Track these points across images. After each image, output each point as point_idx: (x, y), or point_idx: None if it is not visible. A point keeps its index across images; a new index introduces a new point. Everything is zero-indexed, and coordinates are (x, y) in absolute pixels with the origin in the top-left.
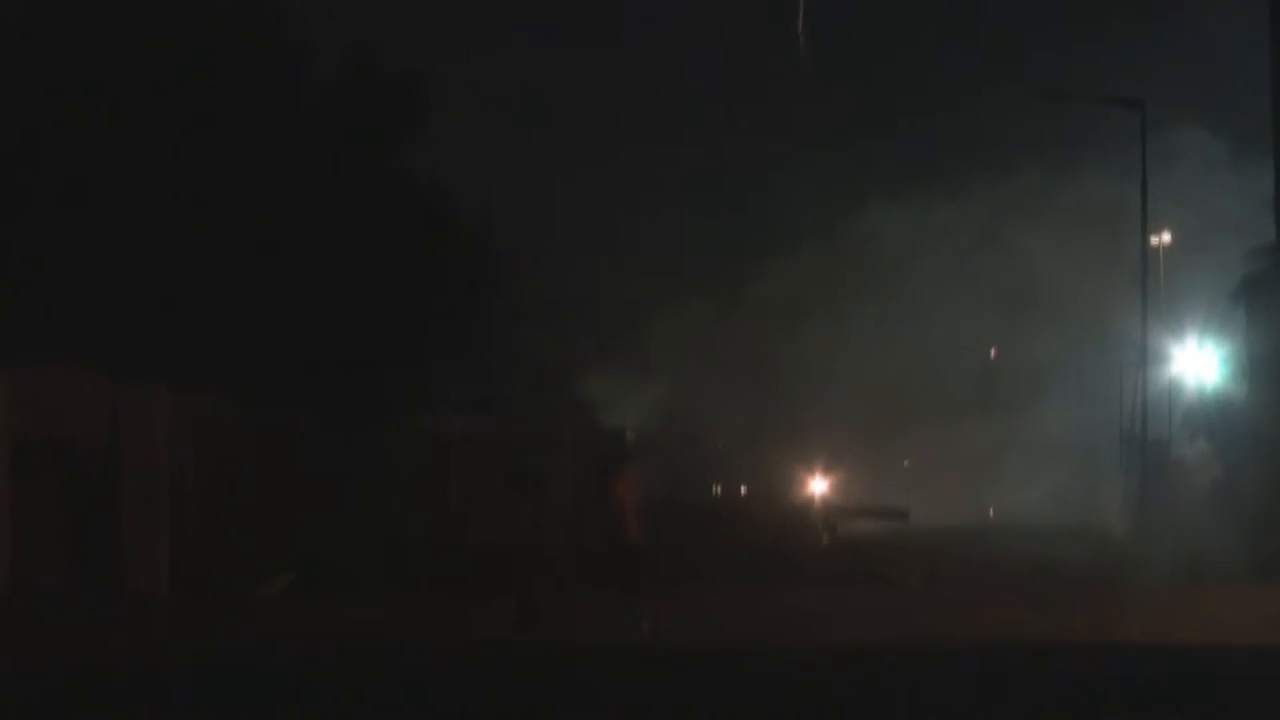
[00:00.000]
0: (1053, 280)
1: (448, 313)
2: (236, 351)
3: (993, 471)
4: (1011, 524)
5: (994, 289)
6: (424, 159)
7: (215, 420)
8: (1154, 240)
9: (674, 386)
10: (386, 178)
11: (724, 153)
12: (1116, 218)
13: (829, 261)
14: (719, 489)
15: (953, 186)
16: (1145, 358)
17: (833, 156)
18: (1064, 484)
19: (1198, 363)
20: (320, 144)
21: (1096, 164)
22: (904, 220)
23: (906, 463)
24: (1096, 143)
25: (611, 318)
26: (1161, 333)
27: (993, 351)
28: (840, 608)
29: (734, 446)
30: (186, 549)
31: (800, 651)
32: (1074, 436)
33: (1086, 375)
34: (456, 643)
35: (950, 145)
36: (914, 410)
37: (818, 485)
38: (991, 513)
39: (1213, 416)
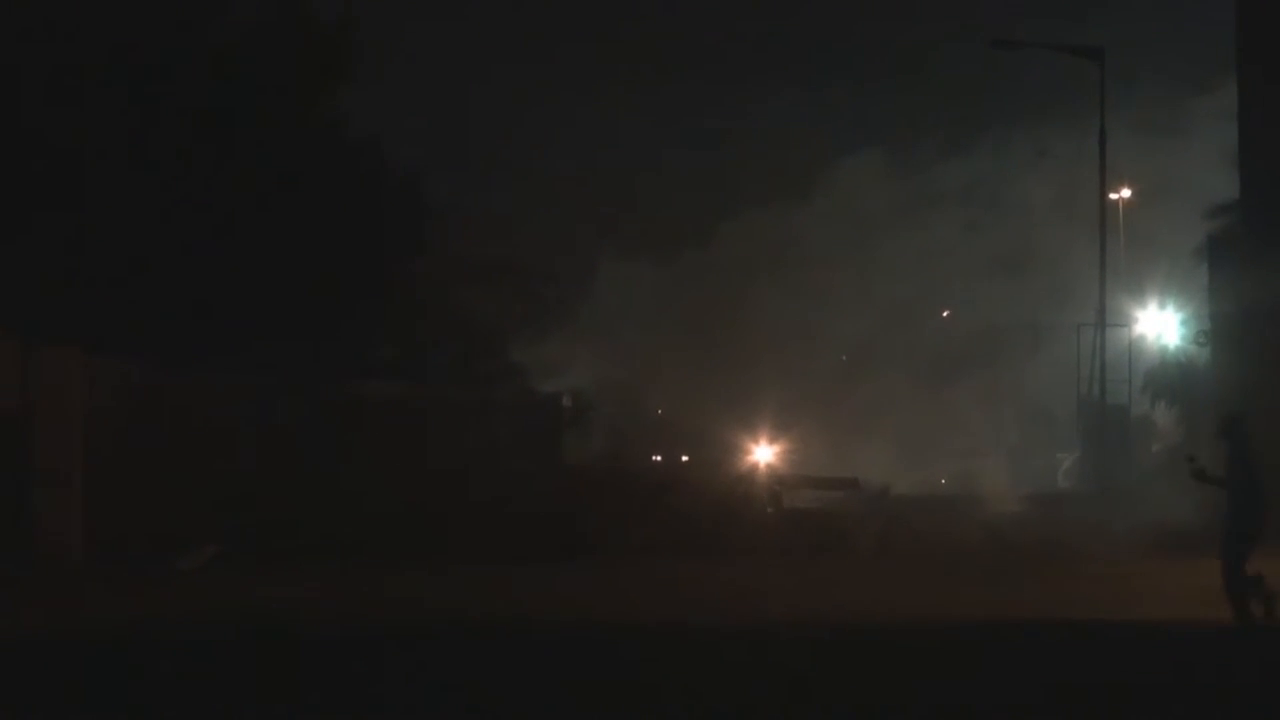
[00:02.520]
0: (1014, 239)
1: (378, 273)
2: (155, 313)
3: (946, 437)
4: (965, 492)
5: (952, 248)
6: (354, 110)
7: (131, 384)
8: (1114, 196)
9: (618, 350)
10: (311, 129)
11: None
12: (1079, 172)
13: (784, 221)
14: (659, 457)
15: (917, 143)
16: (1103, 319)
17: (796, 111)
18: (1020, 449)
19: (1159, 324)
20: (238, 92)
21: (1061, 118)
22: (862, 178)
23: (859, 432)
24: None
25: (554, 277)
26: (1121, 294)
27: (945, 313)
28: (775, 582)
29: (676, 412)
30: (104, 516)
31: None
32: (1031, 400)
33: (1041, 336)
34: (371, 617)
35: (914, 101)
36: (866, 375)
37: (763, 453)
38: (943, 480)
39: (1174, 380)
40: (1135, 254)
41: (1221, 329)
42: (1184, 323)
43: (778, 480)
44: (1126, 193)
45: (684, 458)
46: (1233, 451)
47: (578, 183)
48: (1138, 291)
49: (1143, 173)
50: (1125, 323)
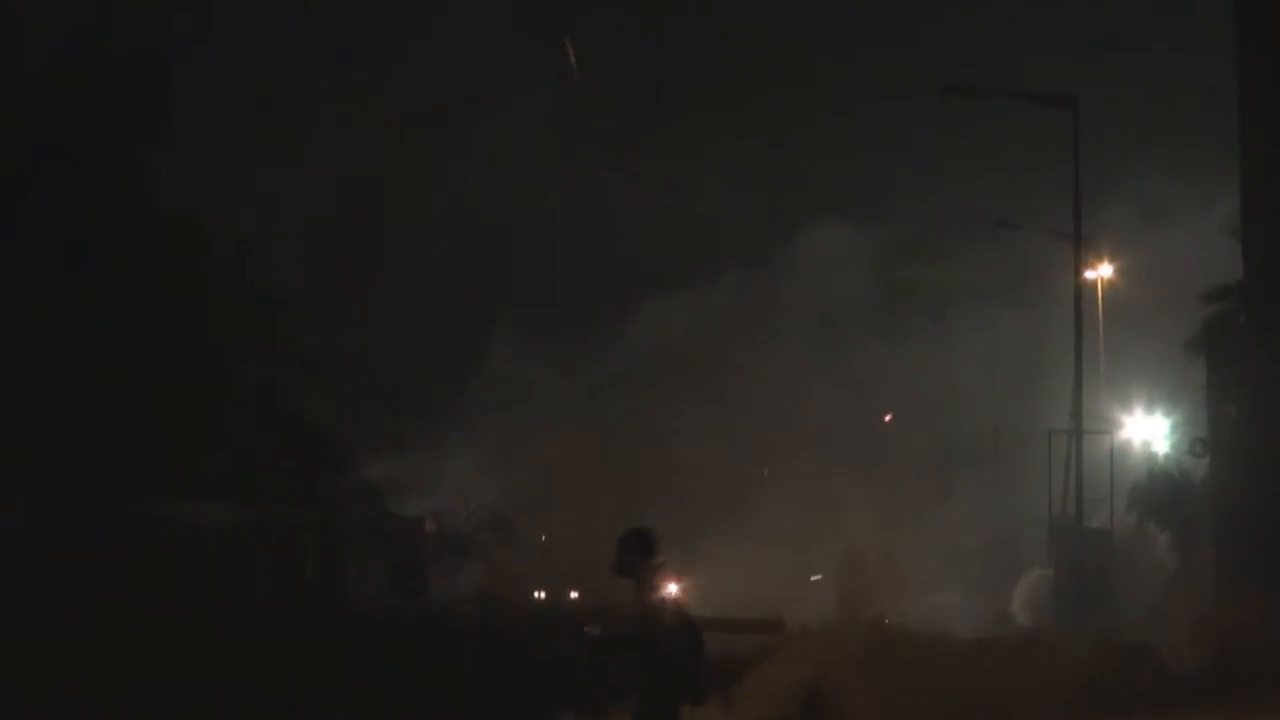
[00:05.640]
0: (973, 327)
1: (196, 371)
2: None
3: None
4: (914, 633)
5: (900, 334)
6: (162, 170)
7: None
8: (1091, 274)
9: (496, 465)
10: (112, 194)
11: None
12: (1049, 247)
13: (700, 310)
14: (542, 594)
15: (865, 209)
16: (1080, 423)
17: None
18: (979, 581)
19: (1146, 430)
20: (25, 151)
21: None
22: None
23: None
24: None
25: (420, 378)
26: (1101, 393)
27: (887, 417)
28: None
29: (565, 539)
30: None
31: None
32: (993, 522)
33: (1006, 444)
34: None
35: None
36: (794, 490)
37: (669, 587)
38: (886, 620)
39: (1165, 496)
40: (1118, 344)
41: (1220, 436)
42: (1175, 428)
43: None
44: (1107, 270)
45: (573, 594)
46: None
47: (457, 264)
48: (1120, 390)
49: (1126, 247)
50: (1106, 428)
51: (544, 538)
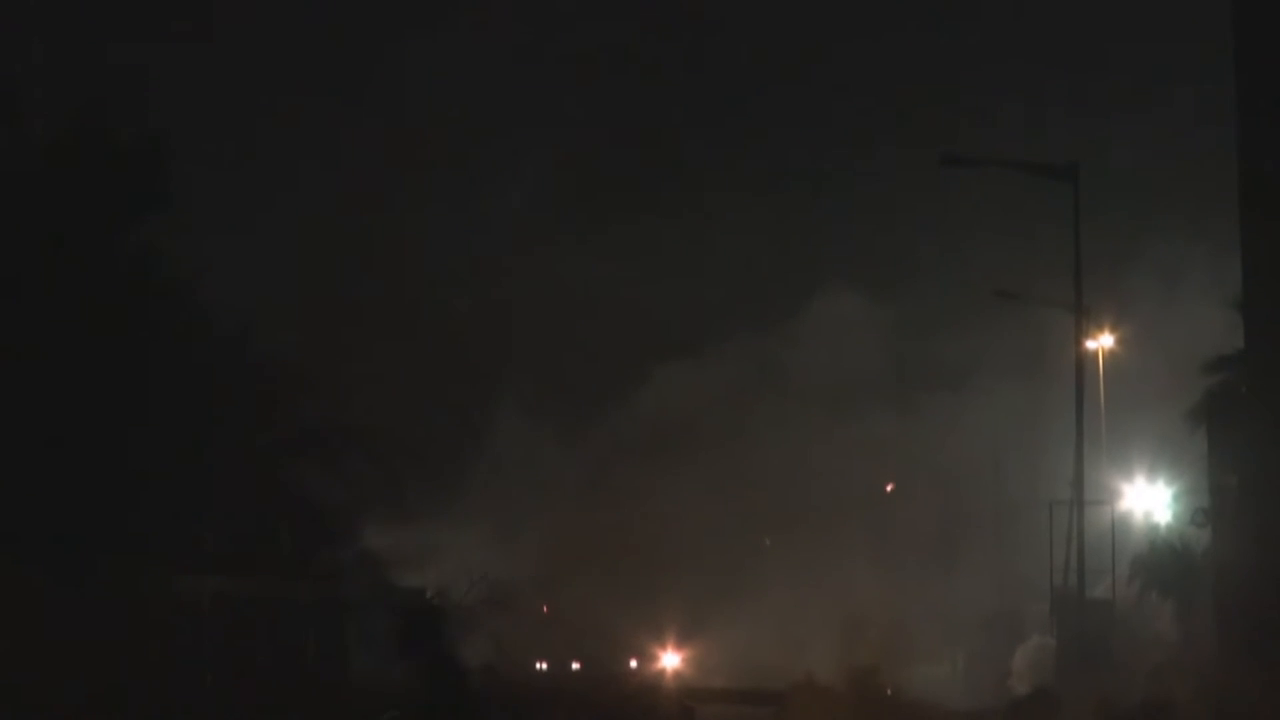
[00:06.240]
0: (976, 394)
1: (196, 441)
2: None
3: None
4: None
5: (906, 405)
6: (161, 243)
7: None
8: (1092, 344)
9: (498, 536)
10: (113, 270)
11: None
12: (1050, 317)
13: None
14: (545, 664)
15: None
16: (1081, 494)
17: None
18: (981, 651)
19: (1148, 500)
20: (29, 225)
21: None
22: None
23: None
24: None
25: (415, 446)
26: (1103, 464)
27: (889, 487)
28: None
29: (568, 610)
30: None
31: None
32: (995, 592)
33: (1008, 516)
34: None
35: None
36: (795, 560)
37: (669, 659)
38: (889, 691)
39: (1167, 567)
40: (1119, 415)
41: (1222, 506)
42: (1177, 498)
43: (688, 694)
44: (1108, 340)
45: (575, 665)
46: None
47: (457, 335)
48: (1122, 461)
49: (1128, 316)
50: (1107, 499)
51: (546, 609)
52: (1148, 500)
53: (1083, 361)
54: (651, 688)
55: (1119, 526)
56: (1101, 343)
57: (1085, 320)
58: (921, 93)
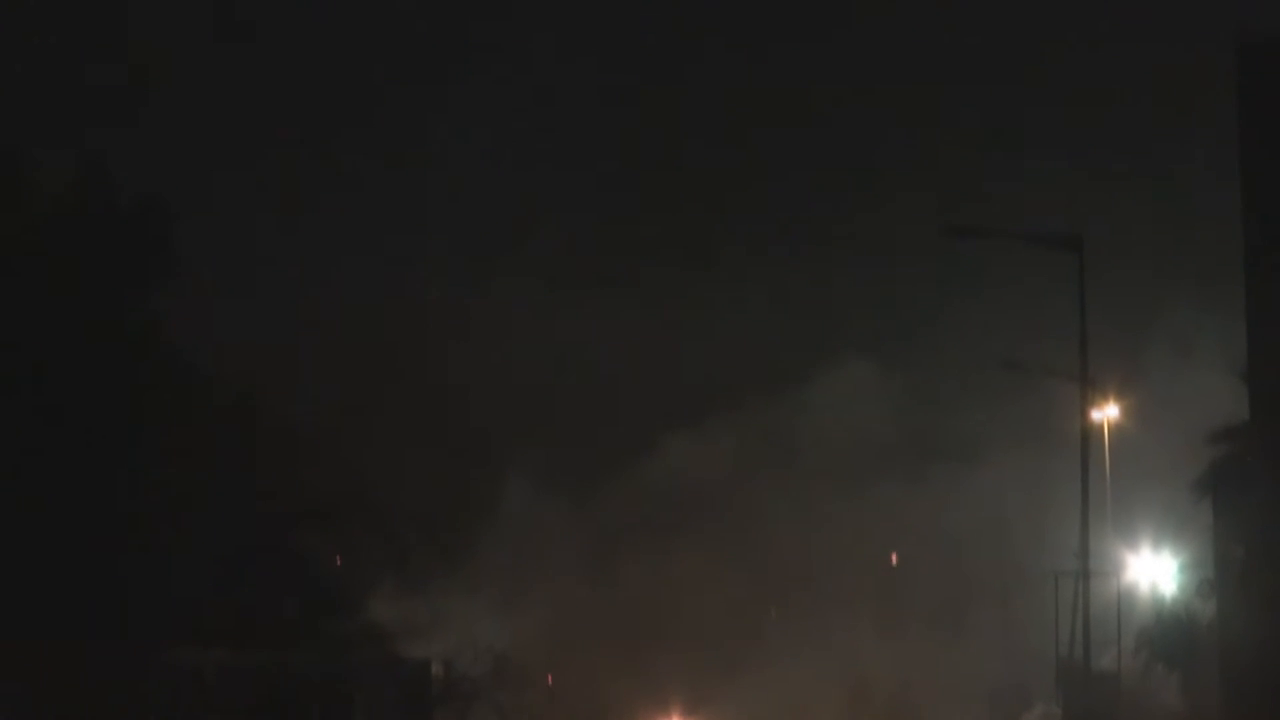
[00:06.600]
0: (983, 464)
1: (201, 513)
2: None
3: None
4: None
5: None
6: (170, 310)
7: None
8: (1097, 415)
9: (503, 606)
10: (119, 335)
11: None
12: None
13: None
14: None
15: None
16: (1086, 564)
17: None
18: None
19: (1153, 571)
20: (37, 291)
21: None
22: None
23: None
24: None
25: (424, 516)
26: (1108, 534)
27: (893, 557)
28: None
29: (573, 682)
30: None
31: None
32: (1000, 663)
33: (1014, 587)
34: None
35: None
36: (801, 629)
37: None
38: None
39: (1173, 638)
40: (1125, 485)
41: (1228, 577)
42: (1183, 569)
43: None
44: (1113, 411)
45: None
46: None
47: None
48: (1128, 532)
49: (1137, 386)
50: (1113, 570)
51: (550, 680)
52: (1153, 570)
53: (1087, 432)
54: None
55: (1125, 597)
56: (1107, 413)
57: (1090, 391)
58: (937, 164)
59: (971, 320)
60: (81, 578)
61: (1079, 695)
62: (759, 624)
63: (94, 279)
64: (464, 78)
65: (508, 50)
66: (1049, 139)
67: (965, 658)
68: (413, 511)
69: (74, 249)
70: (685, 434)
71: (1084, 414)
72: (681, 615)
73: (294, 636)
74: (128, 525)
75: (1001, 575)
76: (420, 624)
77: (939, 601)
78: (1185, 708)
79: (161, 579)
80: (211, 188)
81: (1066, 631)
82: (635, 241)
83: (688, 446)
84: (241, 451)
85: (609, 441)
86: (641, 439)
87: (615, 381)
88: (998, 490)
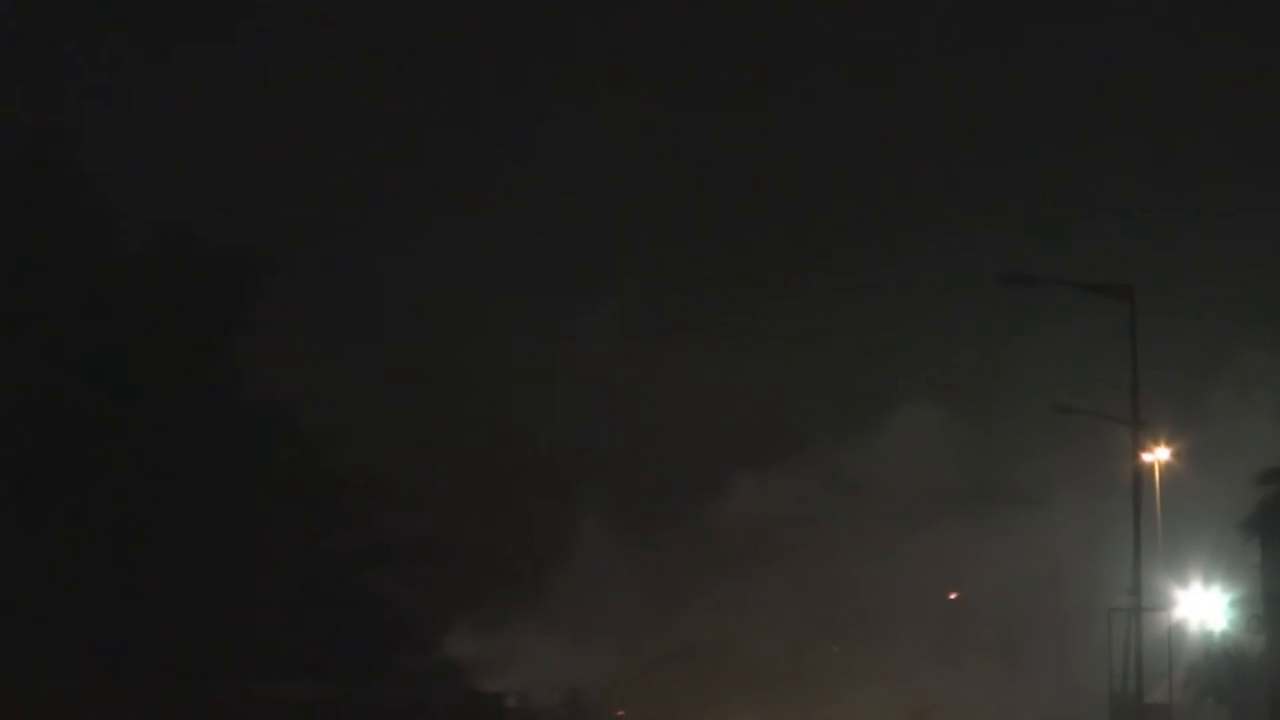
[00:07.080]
0: (1042, 506)
1: (282, 553)
2: (21, 596)
3: None
4: None
5: (965, 517)
6: (251, 359)
7: None
8: (1149, 458)
9: (575, 643)
10: (202, 382)
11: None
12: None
13: (781, 492)
14: None
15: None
16: (1139, 601)
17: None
18: None
19: (1204, 607)
20: (122, 341)
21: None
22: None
23: None
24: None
25: (496, 557)
26: (1159, 571)
27: (953, 594)
28: None
29: (641, 714)
30: None
31: None
32: (1055, 697)
33: (1069, 623)
34: None
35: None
36: (865, 663)
37: None
38: None
39: (1223, 673)
40: (1175, 525)
41: (1276, 613)
42: (1232, 605)
43: None
44: (1164, 454)
45: None
46: None
47: (541, 441)
48: (1178, 569)
49: (1183, 431)
50: (1164, 606)
51: (622, 714)
52: (1203, 606)
53: (1139, 474)
54: None
55: (1176, 633)
56: (1158, 455)
57: (1143, 434)
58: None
59: (1034, 364)
60: (168, 615)
61: None
62: (823, 658)
63: (180, 330)
64: (548, 120)
65: (592, 94)
66: (1109, 182)
67: (1022, 690)
68: (488, 550)
69: (166, 296)
70: (754, 475)
71: (1135, 456)
72: (748, 650)
73: (372, 672)
74: (213, 564)
75: (1057, 611)
76: (495, 659)
77: (998, 637)
78: None
79: (245, 616)
80: (296, 232)
81: (1120, 665)
82: (709, 286)
83: (756, 487)
84: (321, 492)
85: (680, 481)
86: (711, 479)
87: (686, 422)
88: (1055, 530)
